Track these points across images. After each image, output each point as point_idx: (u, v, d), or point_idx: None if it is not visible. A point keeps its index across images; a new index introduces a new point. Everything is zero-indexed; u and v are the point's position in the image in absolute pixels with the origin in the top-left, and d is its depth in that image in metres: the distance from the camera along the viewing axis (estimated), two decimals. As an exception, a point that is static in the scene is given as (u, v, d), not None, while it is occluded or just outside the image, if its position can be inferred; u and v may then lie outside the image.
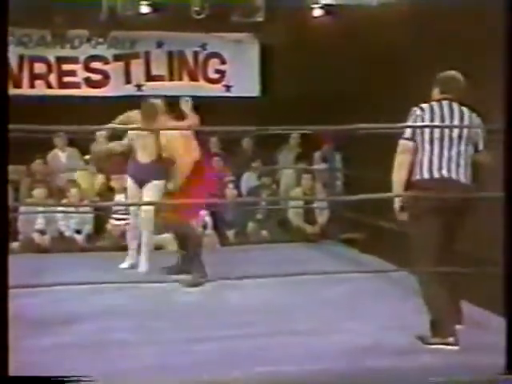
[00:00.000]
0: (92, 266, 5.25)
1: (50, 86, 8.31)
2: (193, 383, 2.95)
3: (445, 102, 3.72)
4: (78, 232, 7.14)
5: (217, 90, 8.72)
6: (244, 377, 2.98)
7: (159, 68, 8.60)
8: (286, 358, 3.22)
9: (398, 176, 3.66)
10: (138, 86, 8.55)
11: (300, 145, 8.35)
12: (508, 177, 2.95)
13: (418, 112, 3.69)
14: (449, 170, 3.58)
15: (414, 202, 3.65)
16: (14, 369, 2.46)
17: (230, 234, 7.31)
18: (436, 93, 3.80)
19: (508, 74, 2.97)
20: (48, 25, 8.09)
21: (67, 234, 7.10)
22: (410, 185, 3.71)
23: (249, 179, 8.05)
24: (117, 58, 8.49)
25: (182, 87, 8.56)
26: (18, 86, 8.17)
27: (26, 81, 8.24)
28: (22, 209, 7.04)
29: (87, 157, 7.84)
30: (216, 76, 8.77)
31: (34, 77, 8.27)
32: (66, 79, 8.35)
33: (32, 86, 8.26)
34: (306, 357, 3.23)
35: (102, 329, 3.73)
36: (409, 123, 3.73)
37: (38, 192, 7.07)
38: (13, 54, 8.17)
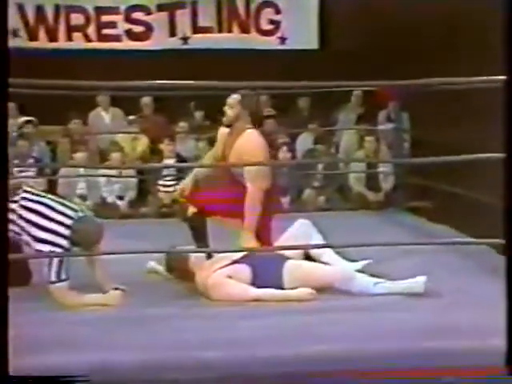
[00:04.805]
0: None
1: (88, 39, 8.35)
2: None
3: None
4: (121, 198, 7.30)
5: (270, 43, 8.61)
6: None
7: (207, 19, 8.50)
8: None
9: None
10: (184, 39, 8.51)
11: (363, 103, 8.24)
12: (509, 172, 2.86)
13: None
14: None
15: None
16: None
17: (285, 201, 7.32)
18: None
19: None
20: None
21: (109, 199, 7.26)
22: None
23: (305, 142, 8.01)
24: (160, 8, 8.43)
25: (232, 40, 8.53)
26: (54, 39, 8.27)
27: (62, 33, 8.29)
28: (62, 171, 7.20)
29: (131, 117, 7.94)
30: (270, 27, 8.65)
31: (71, 29, 8.30)
32: (106, 31, 8.37)
33: (69, 38, 8.31)
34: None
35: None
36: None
37: (80, 156, 7.20)
38: (48, 3, 8.26)
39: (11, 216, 3.70)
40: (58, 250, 3.68)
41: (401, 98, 7.24)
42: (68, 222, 3.76)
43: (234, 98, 4.39)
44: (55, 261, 3.64)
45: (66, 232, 3.74)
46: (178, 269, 4.04)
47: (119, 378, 2.85)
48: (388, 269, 4.12)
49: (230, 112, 4.40)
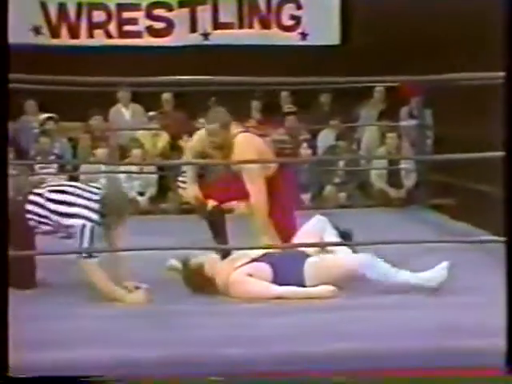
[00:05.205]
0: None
1: (109, 36, 8.40)
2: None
3: None
4: (141, 194, 7.33)
5: (291, 39, 8.59)
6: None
7: (228, 15, 8.50)
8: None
9: None
10: (205, 35, 8.52)
11: (385, 99, 8.20)
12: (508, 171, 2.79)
13: None
14: None
15: None
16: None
17: (306, 197, 7.31)
18: None
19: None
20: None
21: (130, 195, 7.28)
22: None
23: (326, 138, 7.98)
24: (182, 4, 8.45)
25: (253, 36, 8.52)
26: (75, 36, 8.31)
27: (84, 30, 8.34)
28: (83, 168, 7.24)
29: (151, 113, 7.96)
30: (291, 23, 8.63)
31: (92, 26, 8.36)
32: (127, 28, 8.41)
33: (91, 35, 8.37)
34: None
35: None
36: None
37: (101, 152, 7.24)
38: (70, 1, 8.31)
39: (39, 200, 3.84)
40: (89, 223, 3.76)
41: (423, 94, 7.19)
42: (95, 197, 3.87)
43: (212, 128, 4.35)
44: (87, 235, 3.73)
45: (95, 206, 3.82)
46: (196, 277, 3.94)
47: (138, 375, 2.84)
48: (410, 266, 4.09)
49: (215, 139, 4.38)
